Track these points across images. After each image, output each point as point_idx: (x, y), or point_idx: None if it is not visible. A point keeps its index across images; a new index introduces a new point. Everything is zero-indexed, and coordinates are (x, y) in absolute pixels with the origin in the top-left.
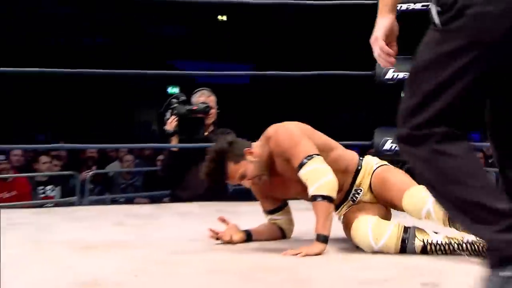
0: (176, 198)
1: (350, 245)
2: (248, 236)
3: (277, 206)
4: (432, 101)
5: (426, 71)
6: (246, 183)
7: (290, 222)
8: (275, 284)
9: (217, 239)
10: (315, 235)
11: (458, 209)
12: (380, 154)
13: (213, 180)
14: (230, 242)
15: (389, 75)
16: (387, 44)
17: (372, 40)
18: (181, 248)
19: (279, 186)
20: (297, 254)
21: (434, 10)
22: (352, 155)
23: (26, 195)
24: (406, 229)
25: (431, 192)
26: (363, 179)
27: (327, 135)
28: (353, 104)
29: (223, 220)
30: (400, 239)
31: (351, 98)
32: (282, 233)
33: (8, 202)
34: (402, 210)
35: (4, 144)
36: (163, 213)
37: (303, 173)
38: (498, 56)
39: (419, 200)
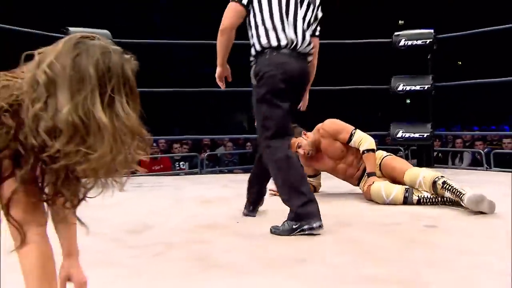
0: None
1: (370, 205)
2: None
3: (314, 174)
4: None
5: (257, 108)
6: (300, 151)
7: (319, 184)
8: (326, 226)
9: (275, 195)
10: (367, 173)
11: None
12: (395, 140)
13: None
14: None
15: (400, 88)
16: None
17: (217, 76)
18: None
19: (318, 161)
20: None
21: (252, 77)
22: None
23: (168, 168)
24: (406, 189)
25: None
26: None
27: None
28: (374, 107)
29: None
30: (403, 194)
31: (373, 103)
32: (314, 189)
33: (157, 172)
34: (403, 183)
35: (154, 135)
36: (240, 180)
37: (353, 140)
38: (283, 92)
39: (414, 176)
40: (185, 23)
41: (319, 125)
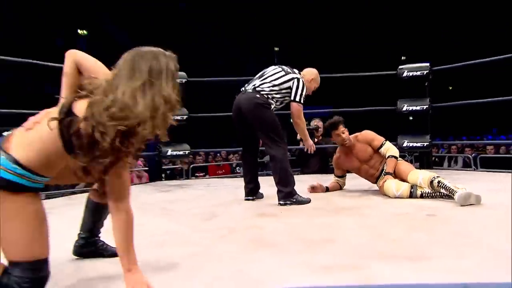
0: (302, 172)
1: (383, 198)
2: (327, 188)
3: (342, 174)
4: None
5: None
6: (343, 136)
7: (344, 183)
8: (349, 215)
9: (313, 189)
10: (385, 172)
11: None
12: (402, 148)
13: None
14: (319, 191)
15: (404, 108)
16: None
17: (310, 145)
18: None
19: (348, 161)
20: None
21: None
22: None
23: (228, 172)
24: (412, 186)
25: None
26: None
27: None
28: (384, 124)
29: (313, 187)
30: (409, 190)
31: (383, 121)
32: (340, 187)
33: (221, 175)
34: (407, 182)
35: (217, 149)
36: (296, 181)
37: (383, 147)
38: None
39: (415, 177)
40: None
41: (357, 133)
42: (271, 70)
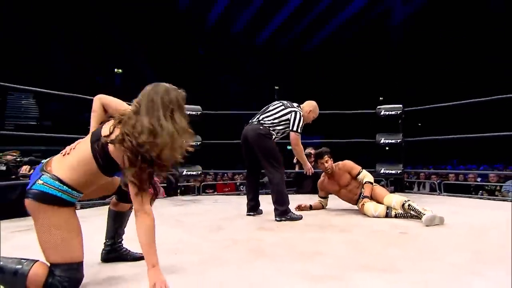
0: (297, 192)
1: (363, 217)
2: (311, 207)
3: (324, 196)
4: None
5: None
6: (327, 165)
7: (326, 204)
8: (333, 231)
9: (299, 207)
10: (363, 196)
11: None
12: (379, 174)
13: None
14: (305, 209)
15: (382, 141)
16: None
17: (309, 169)
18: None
19: (331, 185)
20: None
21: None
22: None
23: (233, 189)
24: (388, 207)
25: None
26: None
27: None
28: (365, 154)
29: (299, 206)
30: (385, 211)
31: (364, 151)
32: (322, 207)
33: (227, 192)
34: (383, 204)
35: (225, 170)
36: (291, 199)
37: (361, 175)
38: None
39: (389, 200)
40: None
41: (339, 162)
42: (273, 105)
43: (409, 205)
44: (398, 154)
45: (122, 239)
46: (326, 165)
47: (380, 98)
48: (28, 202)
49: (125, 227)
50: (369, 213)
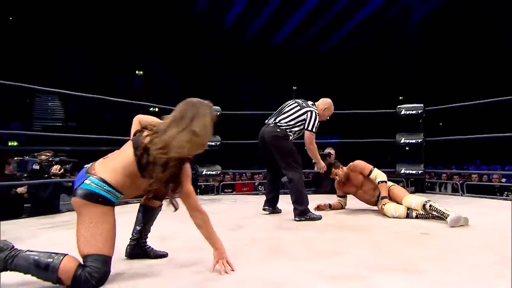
0: (316, 192)
1: (383, 218)
2: (330, 206)
3: (343, 195)
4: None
5: None
6: (337, 178)
7: (345, 203)
8: (354, 231)
9: (318, 207)
10: (382, 197)
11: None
12: (399, 175)
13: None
14: (324, 209)
15: (402, 141)
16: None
17: (322, 168)
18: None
19: (347, 187)
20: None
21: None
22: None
23: (252, 189)
24: (408, 208)
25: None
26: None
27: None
28: (385, 154)
29: (318, 206)
30: (406, 211)
31: (384, 152)
32: (342, 206)
33: (245, 192)
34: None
35: (242, 170)
36: (310, 199)
37: (372, 174)
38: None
39: (408, 201)
40: None
41: (351, 163)
42: (288, 106)
43: (430, 205)
44: (419, 154)
45: (147, 237)
46: (337, 177)
47: (400, 98)
48: (75, 200)
49: (152, 225)
50: (389, 214)
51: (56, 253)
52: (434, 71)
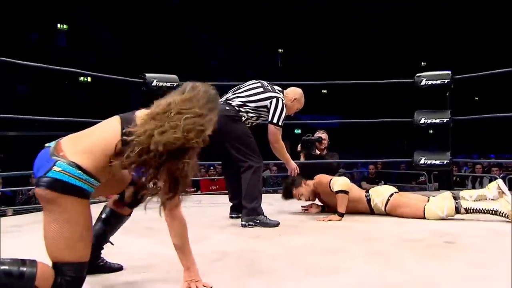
0: None
1: (393, 221)
2: (322, 207)
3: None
4: None
5: None
6: (302, 198)
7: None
8: (355, 242)
9: (306, 210)
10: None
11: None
12: (418, 166)
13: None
14: (312, 211)
15: (422, 121)
16: None
17: (293, 168)
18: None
19: (329, 199)
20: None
21: None
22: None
23: (222, 188)
24: (456, 199)
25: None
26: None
27: (386, 158)
28: (399, 139)
29: (305, 209)
30: (454, 205)
31: (398, 135)
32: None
33: (214, 191)
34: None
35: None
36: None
37: (331, 185)
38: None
39: (433, 214)
40: None
41: (313, 181)
42: (248, 84)
43: (465, 208)
44: (445, 139)
45: (103, 248)
46: (302, 198)
47: (422, 64)
48: (42, 191)
49: (112, 234)
50: (435, 216)
51: (24, 260)
52: (465, 31)
